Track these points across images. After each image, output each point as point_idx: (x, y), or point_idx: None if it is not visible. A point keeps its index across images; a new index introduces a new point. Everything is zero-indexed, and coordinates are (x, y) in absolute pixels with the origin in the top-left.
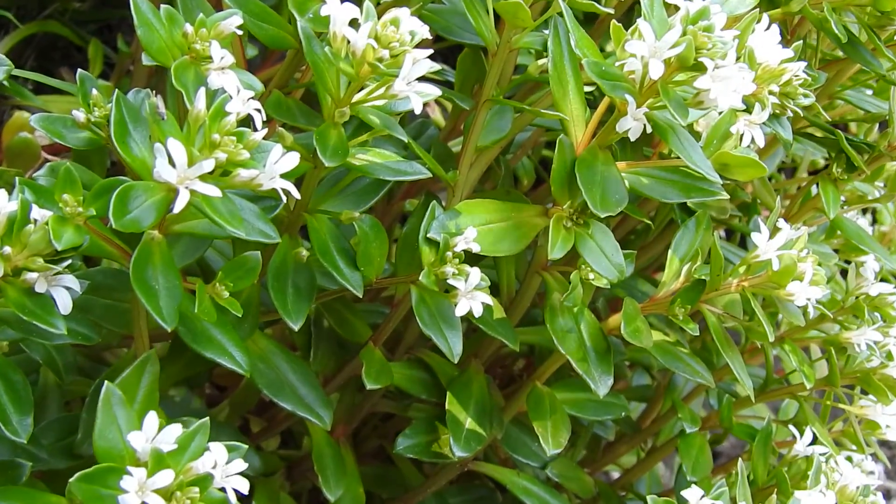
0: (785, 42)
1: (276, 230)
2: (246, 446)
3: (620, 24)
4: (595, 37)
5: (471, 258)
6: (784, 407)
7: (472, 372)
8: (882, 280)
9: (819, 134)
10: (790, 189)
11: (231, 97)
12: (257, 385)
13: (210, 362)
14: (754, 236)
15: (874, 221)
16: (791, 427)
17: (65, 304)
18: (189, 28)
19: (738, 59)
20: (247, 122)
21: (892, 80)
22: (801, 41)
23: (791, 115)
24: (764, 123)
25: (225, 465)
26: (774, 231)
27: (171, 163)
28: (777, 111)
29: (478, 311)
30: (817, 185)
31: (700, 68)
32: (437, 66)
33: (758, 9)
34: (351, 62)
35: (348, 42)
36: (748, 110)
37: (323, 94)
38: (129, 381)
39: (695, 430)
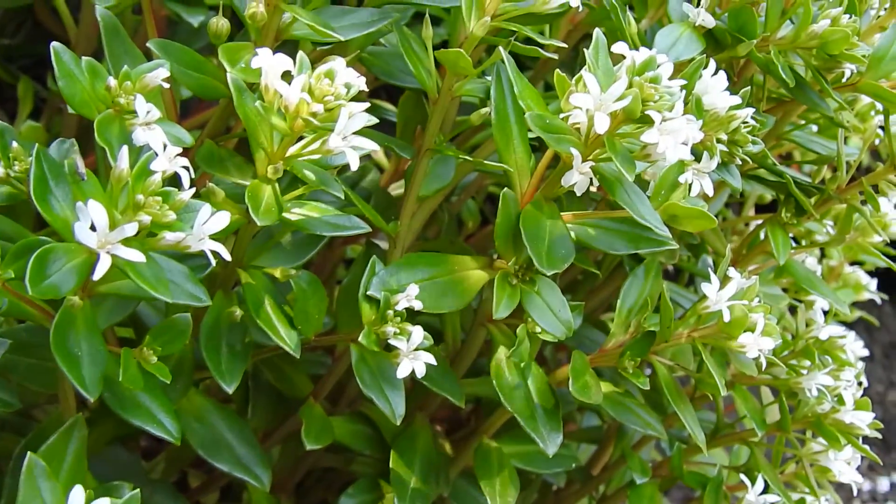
0: (731, 84)
1: (207, 291)
2: None
3: (564, 75)
4: (537, 78)
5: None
6: (736, 450)
7: (418, 426)
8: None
9: (768, 175)
10: (738, 225)
11: (156, 155)
12: (190, 442)
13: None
14: (704, 287)
15: (822, 256)
16: (742, 476)
17: None
18: (112, 81)
19: (685, 106)
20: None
21: (839, 122)
22: (749, 85)
23: (740, 161)
24: (716, 172)
25: None
26: (725, 280)
27: (92, 226)
28: (725, 159)
29: (420, 372)
30: (765, 229)
31: (647, 121)
32: (375, 120)
33: (704, 54)
34: (284, 116)
35: (281, 95)
36: (697, 159)
37: (255, 149)
38: (56, 447)
39: (645, 480)
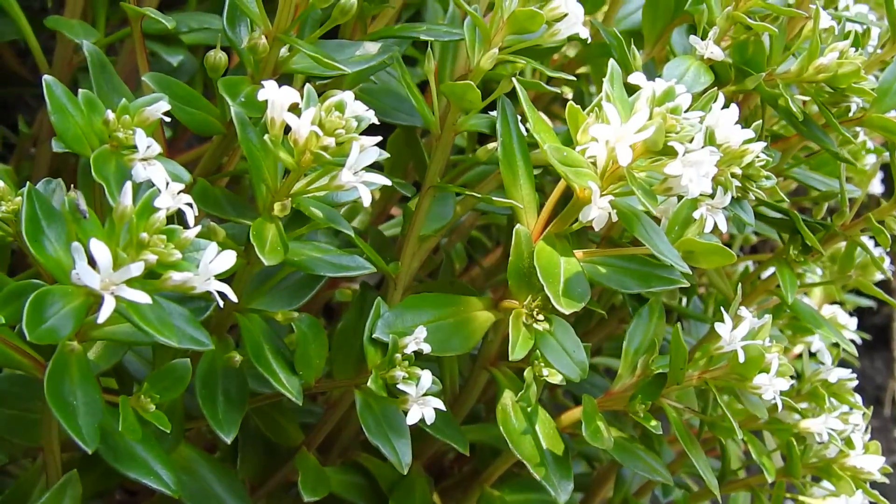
0: None
1: (208, 335)
2: None
3: (578, 106)
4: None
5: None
6: (733, 497)
7: (414, 476)
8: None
9: (770, 213)
10: (725, 267)
11: (160, 191)
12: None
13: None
14: (717, 327)
15: (805, 294)
16: None
17: None
18: (111, 115)
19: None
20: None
21: (843, 157)
22: (750, 119)
23: (753, 197)
24: (729, 208)
25: None
26: (736, 320)
27: (94, 266)
28: (738, 194)
29: (430, 418)
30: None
31: (670, 153)
32: (386, 154)
33: (715, 87)
34: (291, 151)
35: (287, 129)
36: (711, 195)
37: (258, 185)
38: None
39: None
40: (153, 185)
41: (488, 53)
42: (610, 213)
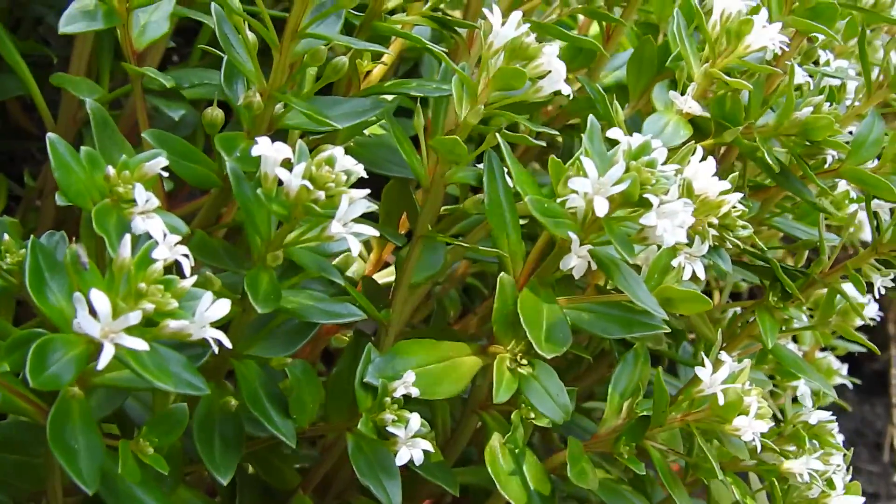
0: None
1: (204, 381)
2: None
3: (559, 160)
4: None
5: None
6: None
7: None
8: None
9: (749, 261)
10: (714, 314)
11: (157, 243)
12: None
13: None
14: (698, 371)
15: (794, 340)
16: None
17: None
18: (111, 170)
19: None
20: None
21: (821, 207)
22: (739, 171)
23: (730, 245)
24: (707, 257)
25: None
26: (717, 364)
27: (95, 315)
28: (716, 243)
29: (419, 459)
30: (754, 312)
31: (645, 204)
32: (374, 207)
33: (693, 140)
34: (284, 203)
35: (280, 183)
36: (689, 244)
37: (253, 236)
38: None
39: None
40: (151, 237)
41: (474, 109)
42: (589, 262)
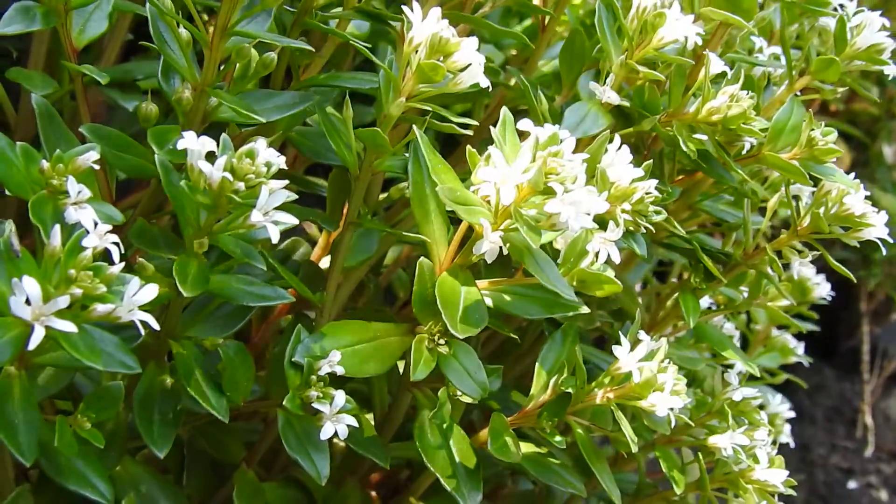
0: (642, 157)
1: (137, 360)
2: None
3: (475, 150)
4: (461, 153)
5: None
6: None
7: (348, 490)
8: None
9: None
10: (665, 291)
11: (87, 232)
12: None
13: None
14: (615, 349)
15: (749, 321)
16: None
17: None
18: (45, 164)
19: (591, 179)
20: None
21: (744, 192)
22: (668, 157)
23: (645, 230)
24: (620, 240)
25: None
26: (636, 343)
27: (27, 300)
28: (631, 227)
29: (343, 434)
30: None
31: (550, 192)
32: (294, 196)
33: (608, 130)
34: (208, 194)
35: (205, 175)
36: (605, 228)
37: (184, 225)
38: None
39: None
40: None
41: (396, 101)
42: (501, 247)
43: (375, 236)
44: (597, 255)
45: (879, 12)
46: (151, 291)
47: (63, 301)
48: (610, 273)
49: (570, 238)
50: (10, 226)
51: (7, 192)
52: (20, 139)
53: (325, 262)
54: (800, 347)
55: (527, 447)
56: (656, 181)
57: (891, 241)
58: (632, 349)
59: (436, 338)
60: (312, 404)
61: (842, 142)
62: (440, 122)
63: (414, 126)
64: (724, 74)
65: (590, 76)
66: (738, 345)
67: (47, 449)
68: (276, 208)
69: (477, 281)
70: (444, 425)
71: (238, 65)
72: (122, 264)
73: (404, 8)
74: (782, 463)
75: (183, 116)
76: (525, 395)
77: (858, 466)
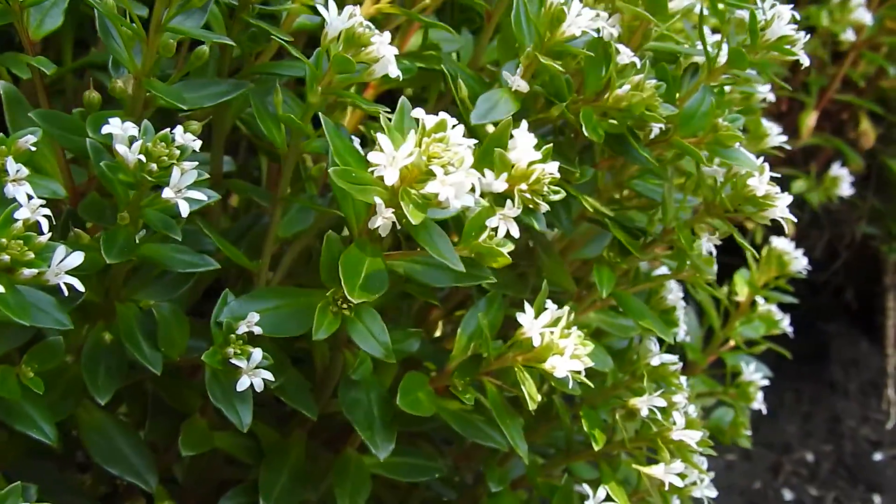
0: (567, 140)
1: (71, 319)
2: None
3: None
4: None
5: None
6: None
7: (293, 441)
8: None
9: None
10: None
11: (20, 205)
12: (90, 454)
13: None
14: (518, 315)
15: (731, 293)
16: (584, 485)
17: None
18: None
19: (493, 162)
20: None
21: (658, 171)
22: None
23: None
24: (522, 217)
25: None
26: (541, 310)
27: None
28: (531, 206)
29: (259, 386)
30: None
31: (432, 174)
32: (206, 175)
33: (510, 116)
34: (128, 173)
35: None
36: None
37: (117, 200)
38: None
39: (500, 488)
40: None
41: (314, 90)
42: (394, 222)
43: (311, 211)
44: (496, 229)
45: (791, 6)
46: (78, 258)
47: None
48: (503, 246)
49: (473, 213)
50: None
51: None
52: None
53: None
54: (785, 320)
55: (454, 405)
56: (557, 164)
57: (794, 220)
58: (536, 316)
59: (339, 302)
60: (230, 360)
61: (867, 118)
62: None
63: (320, 114)
64: (635, 66)
65: (513, 65)
66: (718, 314)
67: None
68: (189, 186)
69: (394, 252)
70: (365, 382)
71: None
72: (49, 234)
73: (318, 5)
74: (699, 425)
75: (125, 103)
76: None
77: (888, 439)
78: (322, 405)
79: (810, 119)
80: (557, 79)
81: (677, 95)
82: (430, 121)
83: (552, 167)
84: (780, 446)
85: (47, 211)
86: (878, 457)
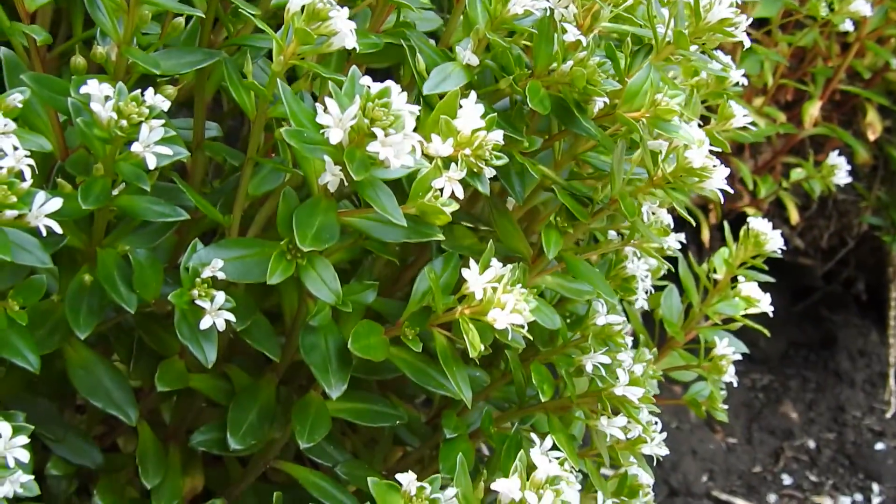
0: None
1: (50, 258)
2: None
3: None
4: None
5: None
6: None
7: (264, 383)
8: None
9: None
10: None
11: (6, 154)
12: (76, 388)
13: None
14: (463, 271)
15: (711, 271)
16: (532, 435)
17: None
18: None
19: (439, 130)
20: None
21: (603, 142)
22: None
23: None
24: (468, 179)
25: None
26: (486, 267)
27: None
28: (475, 169)
29: (220, 326)
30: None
31: (373, 136)
32: (172, 132)
33: (459, 88)
34: (102, 129)
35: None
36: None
37: (94, 153)
38: None
39: (454, 435)
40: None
41: (277, 60)
42: (342, 179)
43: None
44: (442, 190)
45: None
46: (57, 203)
47: None
48: (447, 206)
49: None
50: None
51: None
52: None
53: None
54: (766, 299)
55: (409, 355)
56: (501, 132)
57: (731, 190)
58: (481, 272)
59: (293, 251)
60: (195, 301)
61: (874, 110)
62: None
63: (278, 79)
64: (580, 43)
65: (467, 41)
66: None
67: None
68: (158, 143)
69: (350, 210)
70: (322, 328)
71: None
72: (31, 181)
73: None
74: (642, 382)
75: (108, 69)
76: None
77: (891, 429)
78: (291, 354)
79: (813, 108)
80: (504, 54)
81: (627, 73)
82: (375, 87)
83: (496, 135)
84: (782, 432)
85: (31, 161)
86: (879, 446)
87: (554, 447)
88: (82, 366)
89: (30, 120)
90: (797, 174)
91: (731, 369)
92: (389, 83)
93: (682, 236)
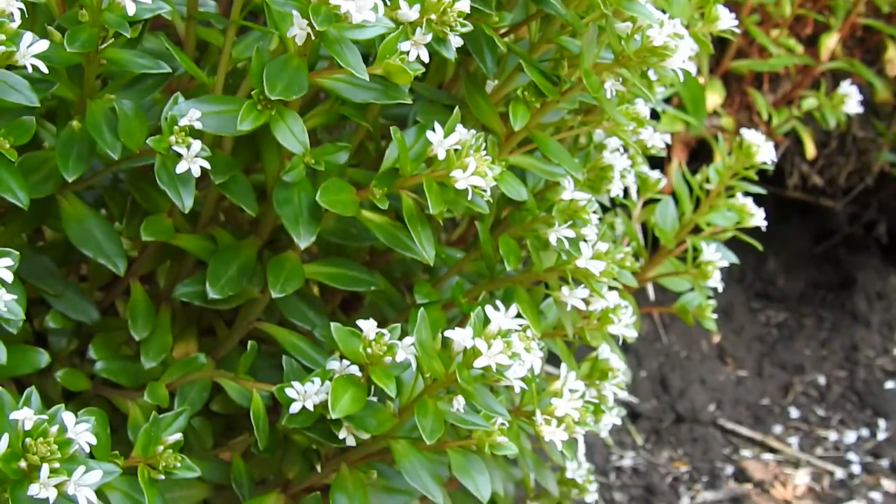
0: None
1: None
2: None
3: None
4: None
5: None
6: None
7: (246, 243)
8: None
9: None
10: None
11: None
12: (69, 239)
13: None
14: (428, 133)
15: (706, 181)
16: (497, 302)
17: None
18: None
19: None
20: None
21: (569, 22)
22: None
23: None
24: (433, 44)
25: None
26: (450, 132)
27: None
28: (441, 36)
29: (196, 172)
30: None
31: None
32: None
33: None
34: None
35: None
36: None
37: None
38: None
39: (426, 301)
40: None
41: None
42: (309, 34)
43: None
44: (408, 53)
45: None
46: (43, 45)
47: None
48: (411, 67)
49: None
50: None
51: None
52: None
53: None
54: (760, 214)
55: (380, 218)
56: (468, 2)
57: (693, 71)
58: (446, 136)
59: (262, 101)
60: (173, 147)
61: (895, 46)
62: None
63: None
64: None
65: None
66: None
67: None
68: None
69: (322, 70)
70: (295, 185)
71: None
72: (19, 21)
73: None
74: (602, 256)
75: None
76: None
77: None
78: (272, 218)
79: (830, 40)
80: None
81: None
82: None
83: (462, 4)
84: (793, 367)
85: (21, 5)
86: (890, 385)
87: (518, 315)
88: (76, 219)
89: None
90: (809, 103)
91: (717, 275)
92: None
93: (668, 137)
